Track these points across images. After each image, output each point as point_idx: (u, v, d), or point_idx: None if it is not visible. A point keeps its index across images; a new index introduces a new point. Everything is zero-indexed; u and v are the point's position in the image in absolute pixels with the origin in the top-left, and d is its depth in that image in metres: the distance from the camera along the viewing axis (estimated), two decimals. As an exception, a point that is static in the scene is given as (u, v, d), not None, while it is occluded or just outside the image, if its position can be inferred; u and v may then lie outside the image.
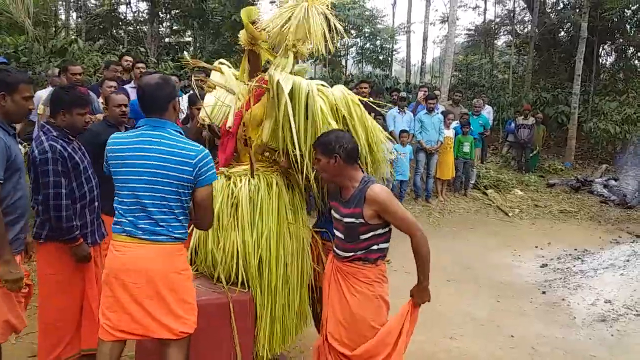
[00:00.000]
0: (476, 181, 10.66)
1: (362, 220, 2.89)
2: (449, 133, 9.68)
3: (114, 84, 6.45)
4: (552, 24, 17.98)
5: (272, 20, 3.33)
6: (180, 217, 2.69)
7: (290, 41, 3.28)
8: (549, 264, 7.00)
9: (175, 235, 2.66)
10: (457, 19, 16.49)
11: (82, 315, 3.46)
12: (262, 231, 3.22)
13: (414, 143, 9.34)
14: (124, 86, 6.78)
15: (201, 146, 2.72)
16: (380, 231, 2.95)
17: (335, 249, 3.09)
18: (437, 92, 11.11)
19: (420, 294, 3.10)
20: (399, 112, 9.40)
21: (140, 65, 7.60)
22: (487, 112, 11.71)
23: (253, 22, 3.41)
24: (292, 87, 3.13)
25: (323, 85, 3.35)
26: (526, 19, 20.71)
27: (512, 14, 21.18)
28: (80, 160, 3.29)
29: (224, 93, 3.56)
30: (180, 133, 2.73)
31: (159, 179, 2.61)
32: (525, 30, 20.46)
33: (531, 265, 7.02)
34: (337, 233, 3.06)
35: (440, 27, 27.75)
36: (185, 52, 16.47)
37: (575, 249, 7.62)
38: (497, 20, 22.15)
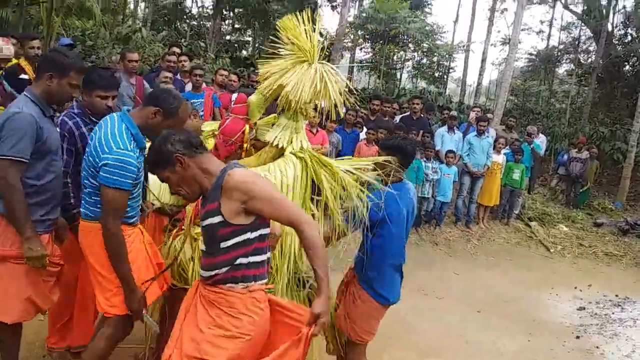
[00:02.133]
0: (520, 211, 10.37)
1: (220, 219, 2.18)
2: (498, 158, 9.45)
3: (169, 75, 6.57)
4: (617, 56, 17.40)
5: (272, 75, 3.07)
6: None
7: (300, 102, 2.98)
8: (587, 307, 6.75)
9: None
10: (519, 42, 16.17)
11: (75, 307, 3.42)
12: None
13: (460, 165, 9.18)
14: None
15: (121, 150, 2.65)
16: (246, 236, 2.23)
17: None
18: (489, 115, 10.89)
19: (324, 310, 2.16)
20: (447, 132, 9.26)
21: (183, 58, 7.55)
22: (541, 141, 11.37)
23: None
24: None
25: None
26: (591, 48, 20.17)
27: (577, 42, 20.64)
28: None
29: None
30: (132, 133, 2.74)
31: (88, 160, 2.74)
32: (589, 60, 19.91)
33: (568, 306, 6.78)
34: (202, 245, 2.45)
35: (500, 48, 27.29)
36: (243, 51, 16.79)
37: (617, 295, 7.32)
38: (561, 47, 21.64)
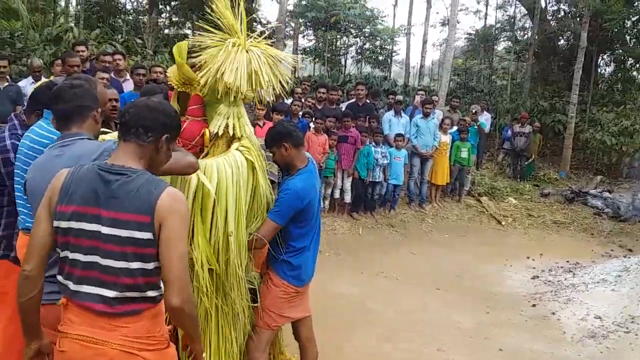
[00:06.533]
0: (470, 188, 10.58)
1: None
2: (445, 138, 9.60)
3: (106, 75, 6.25)
4: (552, 31, 17.93)
5: (205, 63, 2.94)
6: None
7: (239, 89, 2.89)
8: (540, 275, 6.95)
9: None
10: (458, 22, 16.41)
11: None
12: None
13: (409, 147, 9.26)
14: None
15: None
16: None
17: None
18: (435, 98, 11.02)
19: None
20: (394, 116, 9.31)
21: (117, 57, 7.25)
22: (485, 118, 11.64)
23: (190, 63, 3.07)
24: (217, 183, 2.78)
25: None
26: (527, 25, 20.65)
27: (512, 20, 21.11)
28: None
29: None
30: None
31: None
32: (525, 36, 20.40)
33: (522, 276, 6.97)
34: None
35: (440, 29, 27.72)
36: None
37: (567, 261, 7.57)
38: (498, 25, 22.05)
